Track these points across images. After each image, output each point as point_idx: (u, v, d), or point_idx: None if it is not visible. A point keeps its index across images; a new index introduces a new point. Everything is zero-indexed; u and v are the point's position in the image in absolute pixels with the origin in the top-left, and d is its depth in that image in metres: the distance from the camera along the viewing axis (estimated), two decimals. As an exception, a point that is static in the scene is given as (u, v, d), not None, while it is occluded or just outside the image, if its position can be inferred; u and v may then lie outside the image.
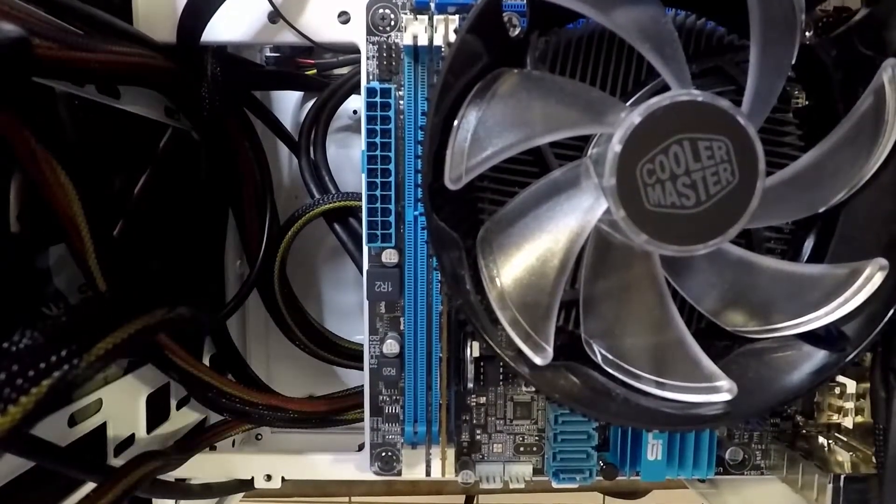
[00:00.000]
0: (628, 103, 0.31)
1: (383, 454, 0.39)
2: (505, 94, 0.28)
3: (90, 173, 0.38)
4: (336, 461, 0.45)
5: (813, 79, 0.34)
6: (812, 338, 0.31)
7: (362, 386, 0.39)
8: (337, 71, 0.55)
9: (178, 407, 0.49)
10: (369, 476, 0.39)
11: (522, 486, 0.39)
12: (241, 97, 0.49)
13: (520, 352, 0.29)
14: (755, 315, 0.31)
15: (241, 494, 0.50)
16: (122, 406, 0.42)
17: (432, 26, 0.34)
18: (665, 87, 0.29)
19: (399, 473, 0.39)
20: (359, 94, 0.42)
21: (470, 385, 0.37)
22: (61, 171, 0.29)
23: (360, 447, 0.41)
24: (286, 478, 0.46)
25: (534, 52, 0.32)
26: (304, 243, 0.56)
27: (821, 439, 0.37)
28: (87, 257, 0.32)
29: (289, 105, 0.58)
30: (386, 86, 0.35)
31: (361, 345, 0.38)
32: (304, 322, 0.53)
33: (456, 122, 0.28)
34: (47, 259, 0.35)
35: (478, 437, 0.39)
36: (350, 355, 0.54)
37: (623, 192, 0.25)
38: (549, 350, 0.29)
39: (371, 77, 0.36)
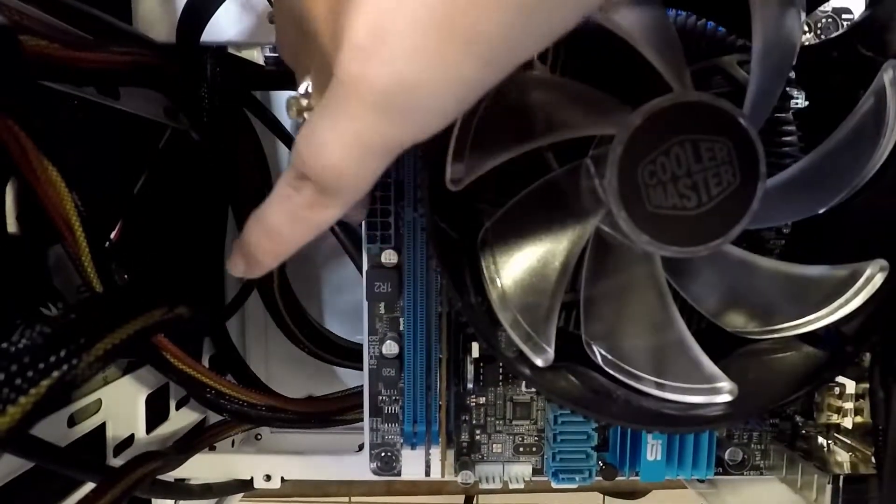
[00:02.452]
0: (629, 104, 0.31)
1: (383, 454, 0.39)
2: (505, 95, 0.28)
3: (87, 174, 0.38)
4: (335, 461, 0.45)
5: (814, 80, 0.34)
6: (812, 339, 0.31)
7: (362, 386, 0.39)
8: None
9: (178, 407, 0.49)
10: (369, 476, 0.39)
11: (522, 486, 0.39)
12: (241, 97, 0.49)
13: (520, 353, 0.29)
14: (756, 316, 0.31)
15: (241, 495, 0.50)
16: (121, 406, 0.42)
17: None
18: (667, 88, 0.29)
19: (398, 474, 0.39)
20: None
21: (469, 385, 0.37)
22: (53, 169, 0.29)
23: (360, 447, 0.41)
24: (285, 478, 0.46)
25: (534, 52, 0.32)
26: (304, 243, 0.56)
27: (820, 439, 0.37)
28: (83, 258, 0.32)
29: (288, 105, 0.58)
30: (386, 86, 0.35)
31: (361, 344, 0.38)
32: (304, 322, 0.53)
33: (457, 123, 0.28)
34: (47, 259, 0.35)
35: (477, 437, 0.39)
36: (350, 355, 0.54)
37: (624, 194, 0.25)
38: (550, 351, 0.29)
39: (371, 77, 0.36)
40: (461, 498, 0.67)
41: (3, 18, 0.25)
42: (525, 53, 0.17)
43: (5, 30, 0.25)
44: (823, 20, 0.37)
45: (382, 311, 0.38)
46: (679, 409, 0.29)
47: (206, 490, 0.46)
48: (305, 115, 0.21)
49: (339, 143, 0.18)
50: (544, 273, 0.29)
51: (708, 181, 0.25)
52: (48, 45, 0.28)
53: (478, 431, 0.39)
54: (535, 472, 0.39)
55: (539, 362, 0.29)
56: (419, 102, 0.17)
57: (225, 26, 0.39)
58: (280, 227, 0.22)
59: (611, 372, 0.31)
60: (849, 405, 0.36)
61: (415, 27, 0.15)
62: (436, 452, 0.38)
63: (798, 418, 0.39)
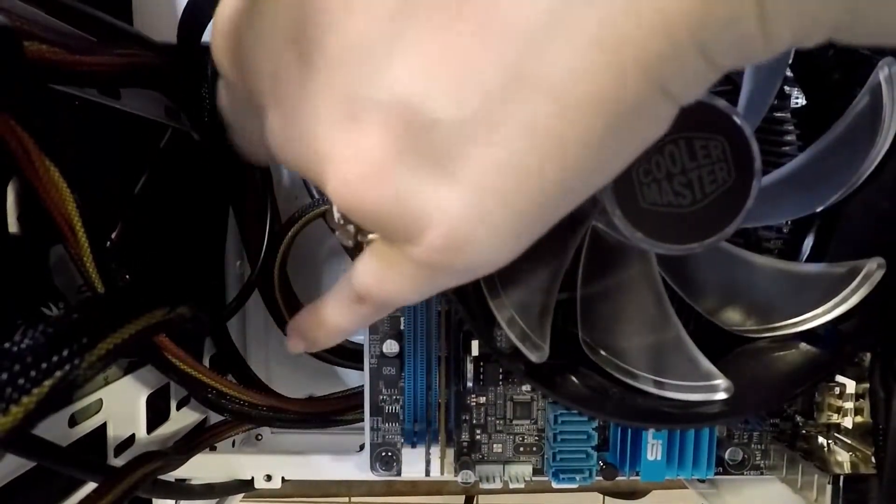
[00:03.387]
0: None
1: (383, 454, 0.39)
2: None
3: (89, 174, 0.38)
4: (336, 461, 0.45)
5: (811, 78, 0.34)
6: (810, 337, 0.31)
7: (362, 386, 0.39)
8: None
9: (179, 407, 0.49)
10: (369, 476, 0.40)
11: (522, 486, 0.39)
12: (242, 98, 0.49)
13: (517, 351, 0.29)
14: (753, 314, 0.31)
15: (242, 495, 0.50)
16: (122, 406, 0.42)
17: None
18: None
19: (399, 473, 0.39)
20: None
21: (469, 384, 0.37)
22: (55, 169, 0.29)
23: (361, 447, 0.41)
24: (286, 478, 0.46)
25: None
26: (305, 243, 0.56)
27: (820, 439, 0.37)
28: (84, 258, 0.32)
29: (289, 106, 0.58)
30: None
31: (361, 344, 0.38)
32: (305, 322, 0.53)
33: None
34: (48, 259, 0.35)
35: (477, 436, 0.39)
36: (350, 355, 0.54)
37: (619, 191, 0.25)
38: (546, 348, 0.29)
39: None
40: (461, 498, 0.67)
41: (4, 19, 0.25)
42: (574, 205, 0.18)
43: (6, 30, 0.25)
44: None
45: (382, 309, 0.38)
46: (676, 407, 0.29)
47: (207, 490, 0.46)
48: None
49: (413, 292, 0.20)
50: (540, 271, 0.29)
51: (703, 179, 0.25)
52: (49, 49, 0.28)
53: (478, 431, 0.39)
54: (536, 471, 0.39)
55: (535, 359, 0.29)
56: (490, 266, 0.19)
57: (225, 27, 0.39)
58: (340, 324, 0.25)
59: (608, 370, 0.31)
60: (849, 405, 0.36)
61: (492, 233, 0.17)
62: (436, 452, 0.38)
63: (798, 418, 0.38)
